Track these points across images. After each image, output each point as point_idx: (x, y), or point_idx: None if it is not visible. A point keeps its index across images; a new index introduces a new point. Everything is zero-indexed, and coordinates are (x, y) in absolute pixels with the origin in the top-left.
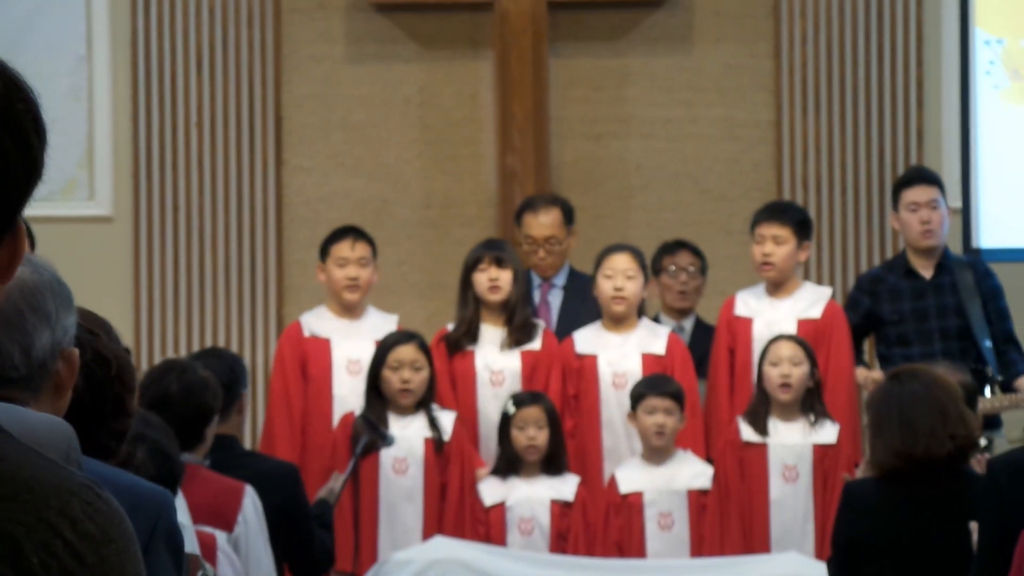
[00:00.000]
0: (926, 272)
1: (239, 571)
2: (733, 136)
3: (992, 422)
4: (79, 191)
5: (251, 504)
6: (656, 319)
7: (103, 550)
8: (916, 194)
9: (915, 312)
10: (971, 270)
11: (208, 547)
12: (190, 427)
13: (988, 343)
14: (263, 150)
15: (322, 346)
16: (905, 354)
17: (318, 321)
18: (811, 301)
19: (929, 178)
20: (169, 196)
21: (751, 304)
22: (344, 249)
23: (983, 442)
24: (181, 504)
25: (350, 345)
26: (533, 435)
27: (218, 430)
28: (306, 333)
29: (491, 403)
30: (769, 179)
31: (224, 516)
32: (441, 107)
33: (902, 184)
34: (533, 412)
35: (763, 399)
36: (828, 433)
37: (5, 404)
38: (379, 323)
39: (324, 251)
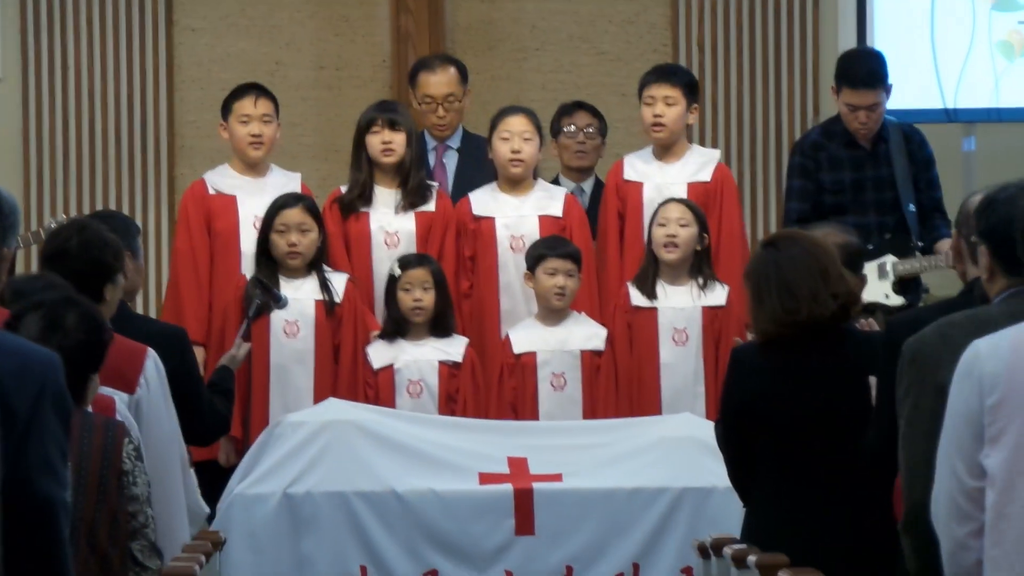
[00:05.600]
0: (866, 142)
1: (137, 434)
2: None
3: (914, 286)
4: None
5: (153, 366)
6: (556, 181)
7: None
8: (856, 97)
9: (854, 183)
10: (906, 138)
11: (107, 410)
12: (87, 282)
13: (912, 208)
14: (154, 10)
15: (228, 203)
16: (841, 224)
17: (222, 179)
18: (700, 164)
19: (872, 82)
20: (58, 56)
21: (639, 168)
22: (247, 106)
23: (899, 300)
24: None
25: (255, 201)
26: (419, 296)
27: None
28: (211, 191)
29: (386, 265)
30: (665, 40)
31: (126, 378)
32: None
33: (844, 80)
34: (419, 273)
35: (652, 262)
36: (717, 296)
37: None
38: (282, 181)
39: (226, 108)
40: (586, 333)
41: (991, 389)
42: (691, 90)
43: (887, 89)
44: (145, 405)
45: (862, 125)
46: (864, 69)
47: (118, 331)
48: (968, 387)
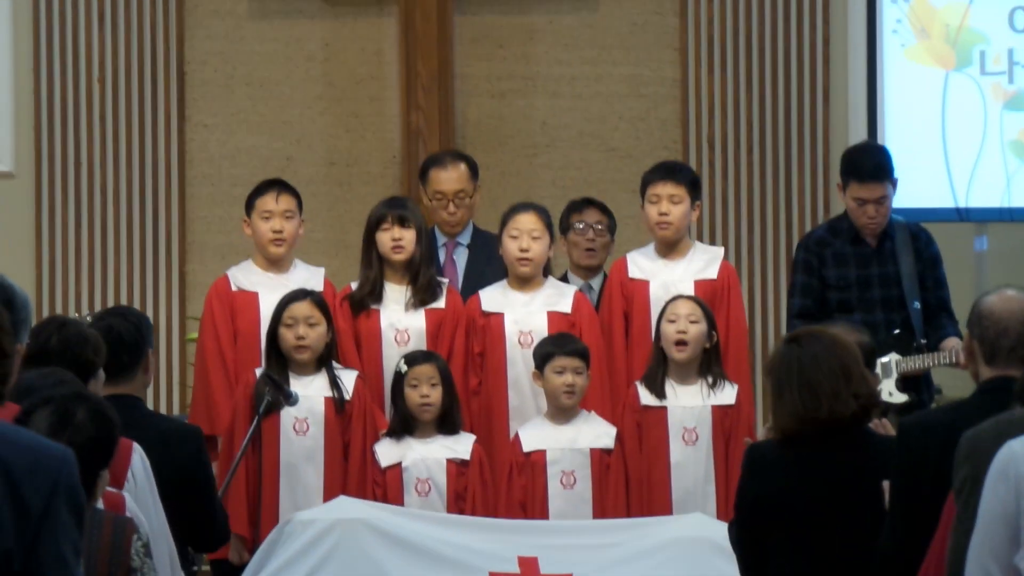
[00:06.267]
0: (872, 240)
1: (147, 531)
2: (639, 94)
3: (926, 386)
4: None
5: (140, 461)
6: (564, 278)
7: None
8: (864, 191)
9: (859, 279)
10: (912, 237)
11: (117, 507)
12: None
13: (917, 305)
14: (166, 106)
15: (250, 300)
16: (847, 321)
17: (245, 275)
18: (706, 262)
19: (880, 175)
20: (71, 152)
21: (644, 266)
22: (268, 202)
23: (903, 398)
24: (142, 463)
25: (277, 298)
26: (426, 393)
27: (124, 390)
28: (233, 287)
29: (396, 363)
30: (675, 137)
31: (113, 473)
32: (345, 64)
33: (852, 174)
34: (426, 370)
35: (660, 361)
36: (727, 395)
37: None
38: (306, 276)
39: (249, 205)
40: (596, 432)
41: None
42: (695, 187)
43: (894, 183)
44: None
45: (870, 220)
46: (871, 162)
47: (133, 428)
48: (1004, 488)
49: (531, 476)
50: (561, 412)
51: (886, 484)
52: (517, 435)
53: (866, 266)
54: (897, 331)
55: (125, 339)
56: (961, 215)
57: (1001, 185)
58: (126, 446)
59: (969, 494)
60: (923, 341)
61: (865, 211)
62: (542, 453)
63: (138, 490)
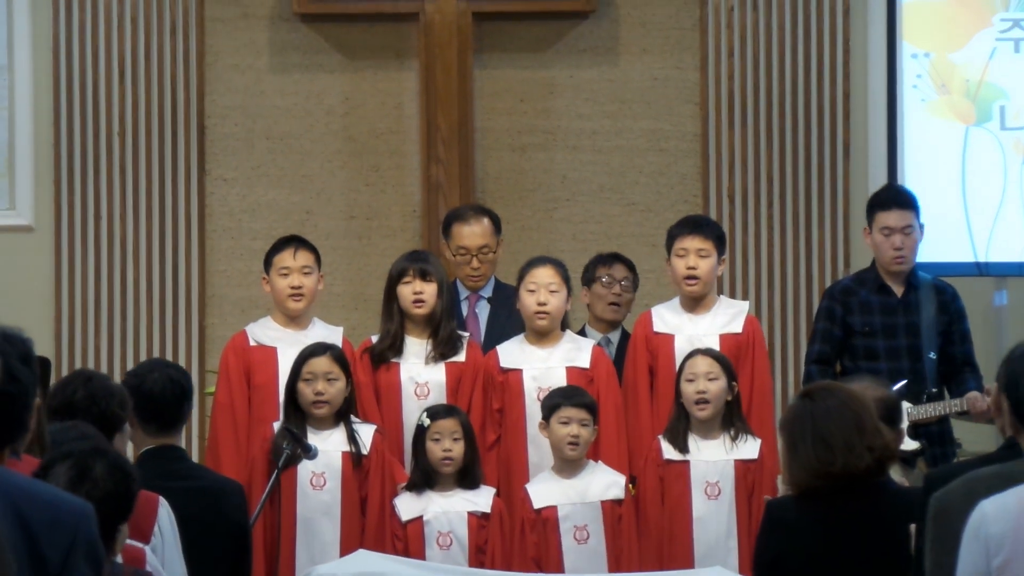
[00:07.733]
0: (897, 290)
1: None
2: (659, 148)
3: (949, 439)
4: None
5: (166, 515)
6: (583, 332)
7: None
8: (890, 219)
9: (885, 328)
10: (938, 291)
11: (137, 561)
12: None
13: (932, 355)
14: (186, 160)
15: (268, 354)
16: (872, 368)
17: (263, 331)
18: (731, 316)
19: (905, 202)
20: (91, 206)
21: (669, 320)
22: (286, 258)
23: (914, 445)
24: (168, 517)
25: (295, 353)
26: (448, 447)
27: (173, 440)
28: (251, 343)
29: (416, 416)
30: (695, 191)
31: (139, 527)
32: (365, 118)
33: (877, 206)
34: (448, 424)
35: (682, 415)
36: (750, 448)
37: None
38: (324, 334)
39: (267, 262)
40: (605, 482)
41: (997, 550)
42: (721, 242)
43: (919, 221)
44: (159, 554)
45: (897, 251)
46: (895, 191)
47: (181, 478)
48: (975, 548)
49: (543, 533)
50: (568, 465)
51: (912, 528)
52: (527, 492)
53: (892, 315)
54: (905, 381)
55: (186, 390)
56: (981, 270)
57: (1021, 240)
58: (152, 500)
59: (940, 554)
60: (934, 390)
61: (892, 242)
62: (553, 509)
63: (165, 545)
